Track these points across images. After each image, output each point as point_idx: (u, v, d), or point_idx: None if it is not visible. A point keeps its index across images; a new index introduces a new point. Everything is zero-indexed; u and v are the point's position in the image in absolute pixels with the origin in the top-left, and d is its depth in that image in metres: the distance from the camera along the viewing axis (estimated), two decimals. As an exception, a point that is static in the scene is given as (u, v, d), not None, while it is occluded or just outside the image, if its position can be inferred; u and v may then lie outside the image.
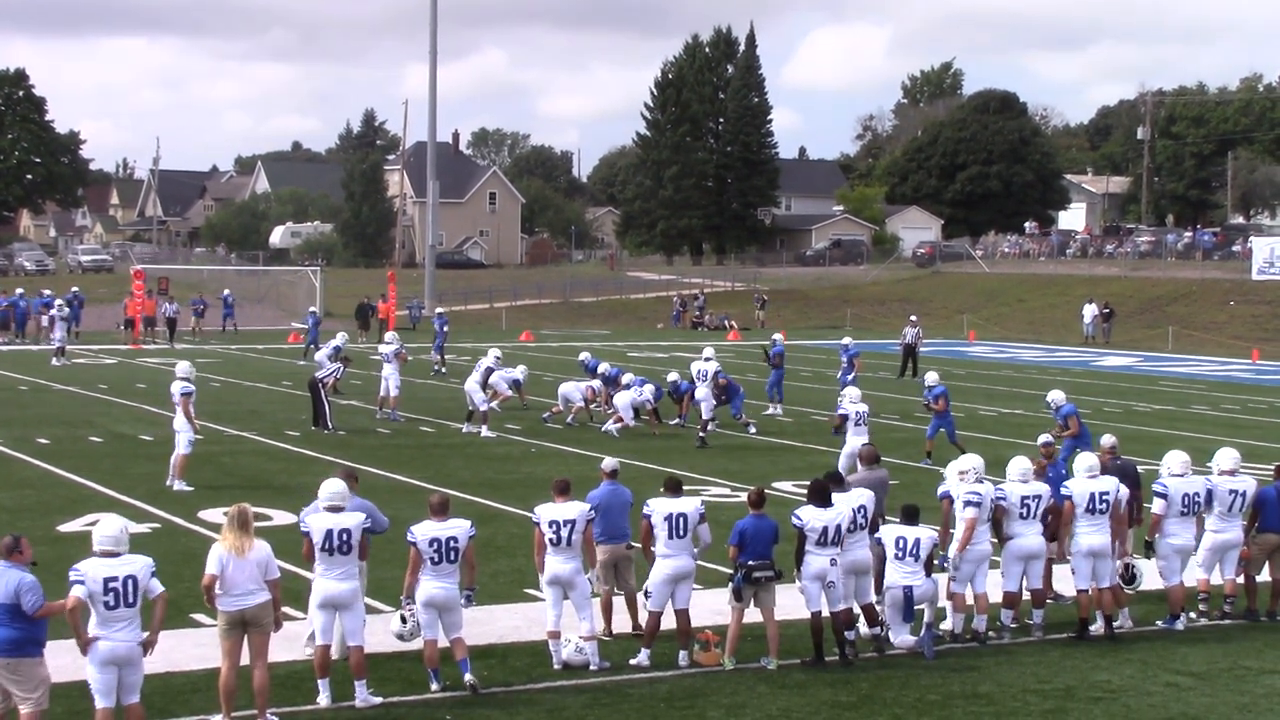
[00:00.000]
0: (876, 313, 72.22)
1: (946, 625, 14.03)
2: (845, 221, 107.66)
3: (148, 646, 10.51)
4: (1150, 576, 15.11)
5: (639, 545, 13.44)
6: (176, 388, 21.85)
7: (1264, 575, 15.33)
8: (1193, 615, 14.90)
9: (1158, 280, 70.12)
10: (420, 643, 12.25)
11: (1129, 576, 14.83)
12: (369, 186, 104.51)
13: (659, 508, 13.06)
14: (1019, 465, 14.38)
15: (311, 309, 52.01)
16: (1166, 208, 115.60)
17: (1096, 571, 14.17)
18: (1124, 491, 14.55)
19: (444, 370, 40.96)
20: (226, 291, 61.66)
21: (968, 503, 13.87)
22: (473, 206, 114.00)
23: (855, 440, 22.19)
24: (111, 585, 10.30)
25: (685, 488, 13.64)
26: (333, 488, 12.12)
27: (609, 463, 14.16)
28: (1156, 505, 14.78)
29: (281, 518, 18.17)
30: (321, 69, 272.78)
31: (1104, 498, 14.18)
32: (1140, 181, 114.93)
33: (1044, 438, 17.18)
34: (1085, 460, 14.63)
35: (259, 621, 11.21)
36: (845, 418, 23.03)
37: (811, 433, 29.04)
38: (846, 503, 13.41)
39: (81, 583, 10.28)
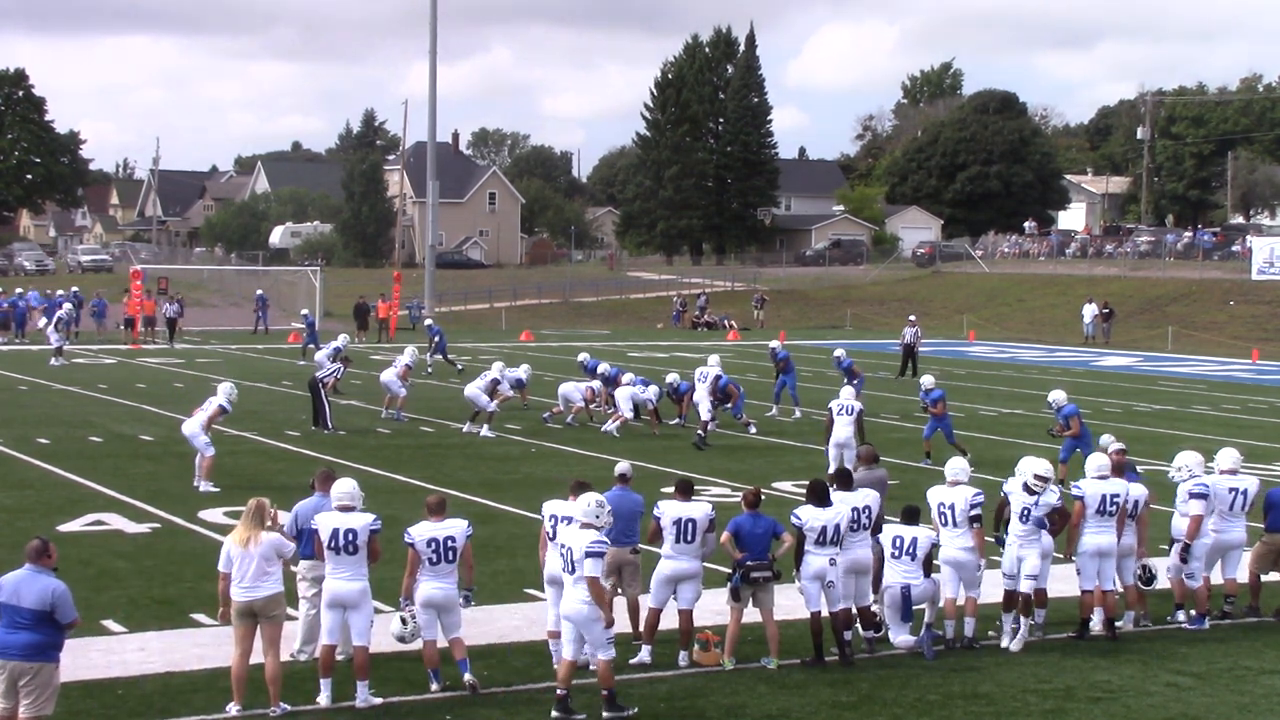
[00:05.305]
0: (876, 313, 72.19)
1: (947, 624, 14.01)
2: (845, 221, 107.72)
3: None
4: (1162, 576, 15.07)
5: (645, 548, 13.38)
6: (214, 400, 22.15)
7: (1269, 576, 15.35)
8: (1193, 614, 14.91)
9: (1158, 280, 70.11)
10: (420, 643, 12.25)
11: (1147, 577, 14.82)
12: (369, 186, 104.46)
13: (669, 511, 13.02)
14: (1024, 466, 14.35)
15: (304, 311, 51.64)
16: (1166, 208, 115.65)
17: (1102, 572, 14.16)
18: (1137, 493, 14.53)
19: (459, 367, 40.86)
20: (260, 291, 61.58)
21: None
22: (473, 206, 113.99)
23: (841, 430, 22.78)
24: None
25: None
26: (343, 487, 12.16)
27: (621, 467, 14.07)
28: (1196, 506, 14.75)
29: (281, 518, 18.07)
30: (324, 68, 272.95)
31: (1114, 500, 14.17)
32: (1140, 181, 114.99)
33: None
34: (1096, 460, 14.63)
35: (269, 614, 11.47)
36: (831, 411, 23.33)
37: (811, 433, 28.99)
38: (850, 501, 13.38)
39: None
